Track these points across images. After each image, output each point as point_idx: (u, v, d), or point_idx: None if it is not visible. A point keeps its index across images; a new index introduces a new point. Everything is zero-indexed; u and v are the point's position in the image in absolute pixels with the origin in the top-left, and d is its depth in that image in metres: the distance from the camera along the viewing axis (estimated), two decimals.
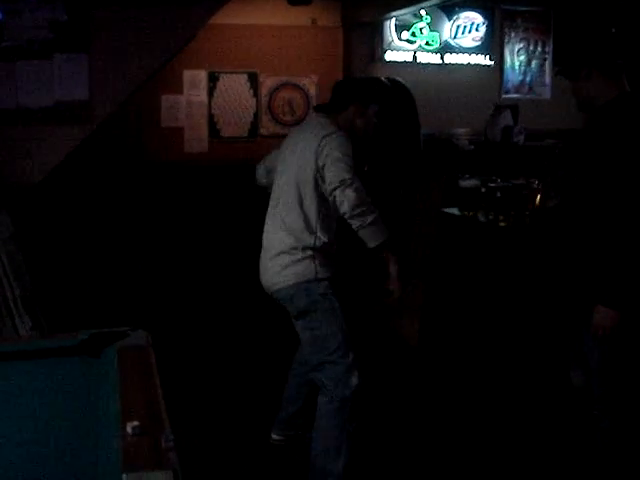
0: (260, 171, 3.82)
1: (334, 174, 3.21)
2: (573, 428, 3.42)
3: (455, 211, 4.86)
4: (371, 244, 3.27)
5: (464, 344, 4.75)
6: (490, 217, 4.50)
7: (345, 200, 3.17)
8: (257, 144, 6.58)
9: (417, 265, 5.38)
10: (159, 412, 1.93)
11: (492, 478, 3.64)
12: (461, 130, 6.69)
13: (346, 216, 3.21)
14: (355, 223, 3.21)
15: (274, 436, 3.89)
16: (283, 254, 3.34)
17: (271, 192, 3.59)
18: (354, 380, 3.26)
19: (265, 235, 3.52)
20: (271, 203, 3.56)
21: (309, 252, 3.31)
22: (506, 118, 6.75)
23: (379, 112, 3.56)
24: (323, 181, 3.27)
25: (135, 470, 1.62)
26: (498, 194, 4.42)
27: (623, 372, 2.91)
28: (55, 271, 5.04)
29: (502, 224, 4.39)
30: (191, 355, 5.07)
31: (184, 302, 5.69)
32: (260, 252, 3.54)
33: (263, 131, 6.63)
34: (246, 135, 6.58)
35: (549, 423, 3.98)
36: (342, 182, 3.18)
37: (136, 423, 1.81)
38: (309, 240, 3.32)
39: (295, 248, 3.31)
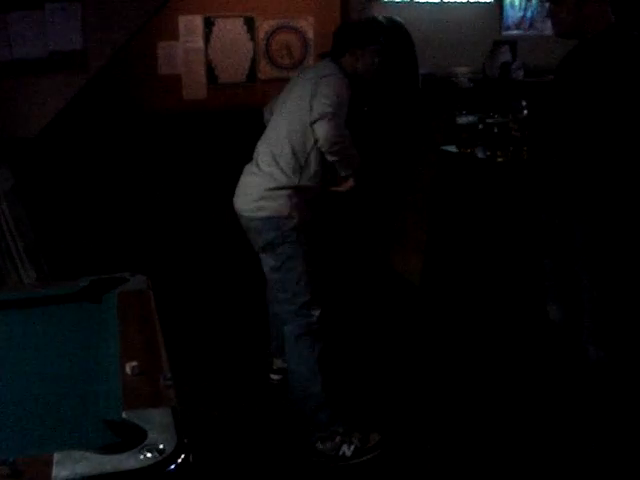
0: (267, 115, 3.88)
1: (318, 107, 3.32)
2: (557, 363, 3.45)
3: (453, 148, 4.84)
4: (341, 172, 3.56)
5: (466, 282, 4.78)
6: (488, 153, 4.49)
7: (322, 132, 3.31)
8: (256, 89, 6.53)
9: (418, 204, 5.40)
10: (158, 353, 1.98)
11: (489, 418, 3.71)
12: (461, 68, 6.62)
13: (323, 149, 3.37)
14: (330, 157, 3.42)
15: (273, 376, 4.11)
16: (263, 185, 3.45)
17: (270, 122, 3.71)
18: (315, 312, 3.43)
19: (255, 158, 3.62)
20: (266, 132, 3.68)
21: (289, 191, 3.42)
22: (505, 54, 6.67)
23: (378, 51, 3.58)
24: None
25: (134, 408, 1.67)
26: (495, 130, 4.40)
27: (619, 303, 2.92)
28: (57, 221, 5.07)
29: (500, 160, 4.38)
30: (191, 298, 5.14)
31: (185, 248, 5.75)
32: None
33: (261, 75, 6.56)
34: (244, 80, 6.53)
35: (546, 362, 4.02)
36: (323, 115, 3.30)
37: (135, 363, 1.85)
38: (293, 179, 3.43)
39: (277, 184, 3.42)
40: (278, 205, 3.40)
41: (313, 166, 3.45)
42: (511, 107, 4.37)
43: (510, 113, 4.48)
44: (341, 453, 3.36)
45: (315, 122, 3.32)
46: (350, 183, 3.59)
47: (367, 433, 3.44)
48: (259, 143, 3.67)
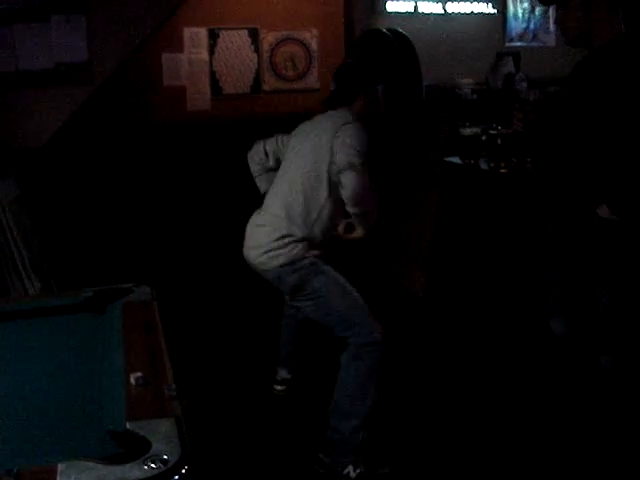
0: (254, 165, 3.79)
1: (344, 157, 3.23)
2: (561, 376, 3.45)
3: (456, 160, 4.85)
4: (359, 230, 3.47)
5: (469, 294, 4.78)
6: (491, 165, 4.50)
7: (349, 183, 3.22)
8: (260, 100, 6.55)
9: (422, 215, 5.41)
10: (162, 363, 1.98)
11: (493, 431, 3.70)
12: (464, 80, 6.64)
13: (347, 200, 3.27)
14: (352, 209, 3.32)
15: (277, 387, 4.07)
16: (272, 236, 3.34)
17: (279, 170, 3.59)
18: (377, 331, 3.26)
19: (264, 209, 3.53)
20: (275, 182, 3.56)
21: (298, 241, 3.32)
22: (508, 66, 6.69)
23: (386, 90, 3.55)
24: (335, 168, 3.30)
25: (138, 418, 1.67)
26: (499, 141, 4.42)
27: (630, 312, 2.90)
28: (61, 232, 5.09)
29: (503, 171, 4.39)
30: (195, 308, 5.15)
31: (189, 259, 5.75)
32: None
33: (265, 87, 6.59)
34: (249, 91, 6.55)
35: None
36: (350, 165, 3.21)
37: (139, 374, 1.86)
38: (303, 230, 3.34)
39: (285, 233, 3.32)
40: (289, 251, 3.30)
41: (325, 220, 3.37)
42: (519, 99, 4.23)
43: (517, 103, 4.35)
44: (345, 472, 3.29)
45: (341, 172, 3.23)
46: (361, 232, 3.49)
47: (377, 464, 3.36)
48: (268, 195, 3.56)
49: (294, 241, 3.31)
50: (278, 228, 3.34)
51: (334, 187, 3.33)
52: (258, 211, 3.56)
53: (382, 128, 3.97)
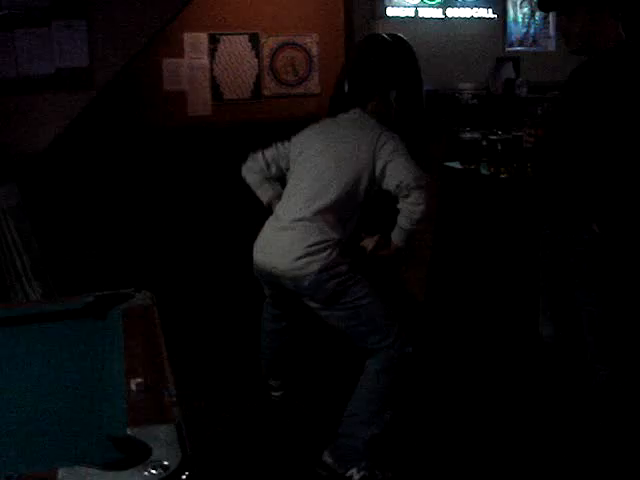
0: (258, 163, 3.66)
1: (410, 172, 3.22)
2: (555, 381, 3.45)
3: (457, 164, 4.86)
4: (395, 240, 3.37)
5: (470, 298, 4.78)
6: (491, 170, 4.50)
7: (423, 205, 3.22)
8: (260, 105, 6.57)
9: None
10: (162, 369, 1.98)
11: (497, 428, 3.70)
12: (465, 85, 6.65)
13: (413, 215, 3.26)
14: (408, 224, 3.30)
15: (274, 393, 3.99)
16: (305, 241, 3.23)
17: (298, 172, 3.48)
18: (408, 346, 3.25)
19: (282, 213, 3.41)
20: (292, 185, 3.49)
21: (335, 244, 3.24)
22: (508, 71, 6.70)
23: (397, 96, 3.54)
24: (382, 177, 3.27)
25: (139, 424, 1.67)
26: (499, 146, 4.42)
27: (621, 320, 2.91)
28: (63, 237, 5.09)
29: (503, 176, 4.39)
30: (196, 314, 5.14)
31: (190, 264, 5.75)
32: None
33: (266, 92, 6.61)
34: (249, 96, 6.57)
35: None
36: (419, 186, 3.21)
37: (140, 380, 1.86)
38: (338, 233, 3.27)
39: (321, 239, 3.22)
40: (327, 255, 3.19)
41: (354, 222, 3.35)
42: (527, 113, 4.25)
43: (527, 118, 4.33)
44: (348, 474, 3.28)
45: (414, 190, 3.20)
46: (395, 248, 3.42)
47: (380, 468, 3.35)
48: (288, 200, 3.45)
49: (330, 245, 3.21)
50: (313, 233, 3.24)
51: (368, 195, 3.32)
52: (276, 217, 3.45)
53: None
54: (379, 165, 3.27)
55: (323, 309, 3.29)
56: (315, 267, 3.18)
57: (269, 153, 3.66)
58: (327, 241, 3.21)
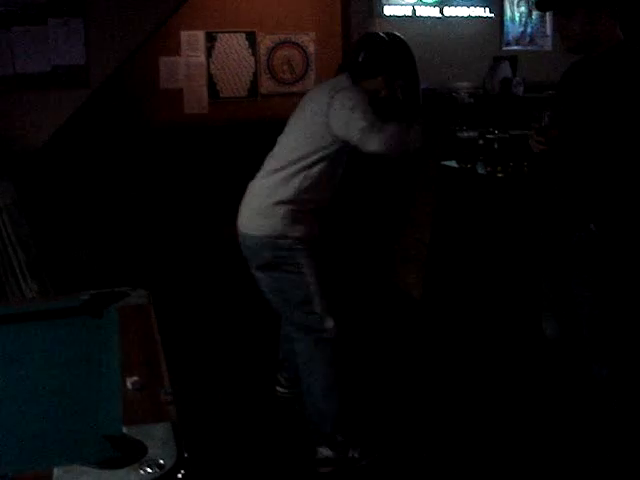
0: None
1: (353, 127, 3.10)
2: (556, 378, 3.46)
3: (453, 164, 4.86)
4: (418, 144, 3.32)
5: (467, 297, 4.78)
6: (488, 169, 4.50)
7: (373, 147, 3.09)
8: (257, 103, 6.57)
9: (419, 219, 5.41)
10: (158, 368, 1.98)
11: (489, 431, 3.70)
12: (462, 84, 6.65)
13: (391, 157, 3.28)
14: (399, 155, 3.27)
15: (279, 389, 3.97)
16: (263, 197, 3.28)
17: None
18: (328, 324, 3.26)
19: (257, 179, 3.45)
20: (274, 150, 3.49)
21: (287, 206, 3.23)
22: (505, 70, 6.70)
23: (404, 88, 3.48)
24: (334, 135, 3.18)
25: (134, 422, 1.67)
26: (496, 145, 4.42)
27: (618, 318, 2.91)
28: (59, 235, 5.08)
29: (500, 175, 4.39)
30: (192, 312, 5.14)
31: (186, 262, 5.75)
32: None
33: (263, 90, 6.61)
34: (246, 95, 6.57)
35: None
36: (361, 131, 3.08)
37: (135, 378, 1.85)
38: (289, 193, 3.23)
39: (276, 199, 3.23)
40: (274, 223, 3.22)
41: (317, 178, 3.24)
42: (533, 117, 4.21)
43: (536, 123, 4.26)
44: (319, 456, 3.34)
45: (358, 141, 3.10)
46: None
47: (367, 449, 3.40)
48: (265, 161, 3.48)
49: (281, 210, 3.21)
50: (269, 188, 3.27)
51: (323, 147, 3.22)
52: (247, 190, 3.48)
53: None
54: (327, 122, 3.17)
55: (257, 271, 3.35)
56: (260, 232, 3.25)
57: None
58: (282, 203, 3.22)
